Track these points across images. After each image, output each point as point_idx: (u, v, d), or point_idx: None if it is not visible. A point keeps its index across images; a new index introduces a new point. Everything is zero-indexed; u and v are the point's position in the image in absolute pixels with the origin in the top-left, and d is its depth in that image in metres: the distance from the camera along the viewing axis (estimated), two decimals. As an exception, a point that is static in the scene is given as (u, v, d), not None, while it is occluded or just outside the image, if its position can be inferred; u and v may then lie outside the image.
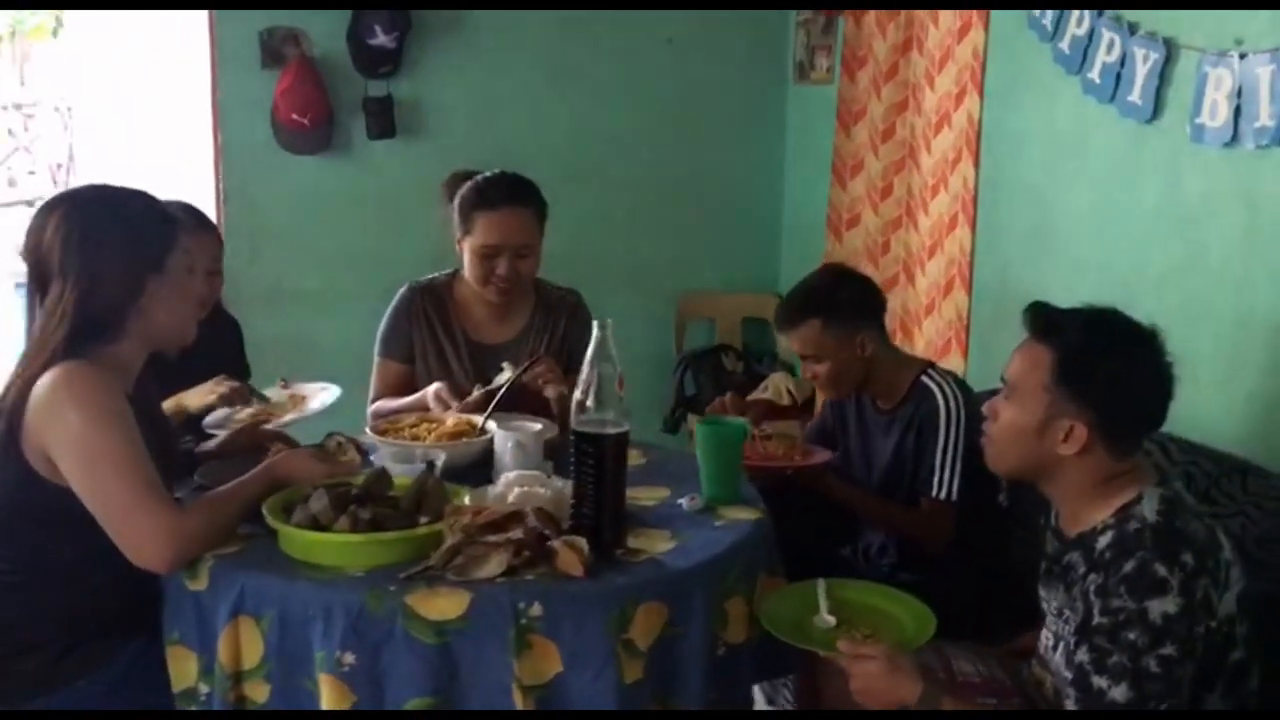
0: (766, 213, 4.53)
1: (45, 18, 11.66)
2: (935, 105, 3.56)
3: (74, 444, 1.82)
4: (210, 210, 4.14)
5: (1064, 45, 2.93)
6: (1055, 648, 1.88)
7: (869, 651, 1.78)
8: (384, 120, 4.03)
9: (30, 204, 8.55)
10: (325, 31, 3.98)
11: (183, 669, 1.86)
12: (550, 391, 2.48)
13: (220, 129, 4.03)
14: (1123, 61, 2.73)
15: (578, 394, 1.88)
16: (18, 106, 11.18)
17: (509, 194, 2.61)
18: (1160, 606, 1.64)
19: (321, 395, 2.50)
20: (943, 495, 2.46)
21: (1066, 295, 1.94)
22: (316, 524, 1.86)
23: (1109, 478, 1.79)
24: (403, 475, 2.07)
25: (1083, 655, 1.71)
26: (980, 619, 2.38)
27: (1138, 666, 1.64)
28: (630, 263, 4.43)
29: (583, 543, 1.83)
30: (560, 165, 4.26)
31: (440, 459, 2.17)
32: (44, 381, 1.84)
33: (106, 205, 1.96)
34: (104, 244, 1.89)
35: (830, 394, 2.64)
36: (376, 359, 2.77)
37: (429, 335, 2.71)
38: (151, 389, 2.13)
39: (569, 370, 2.81)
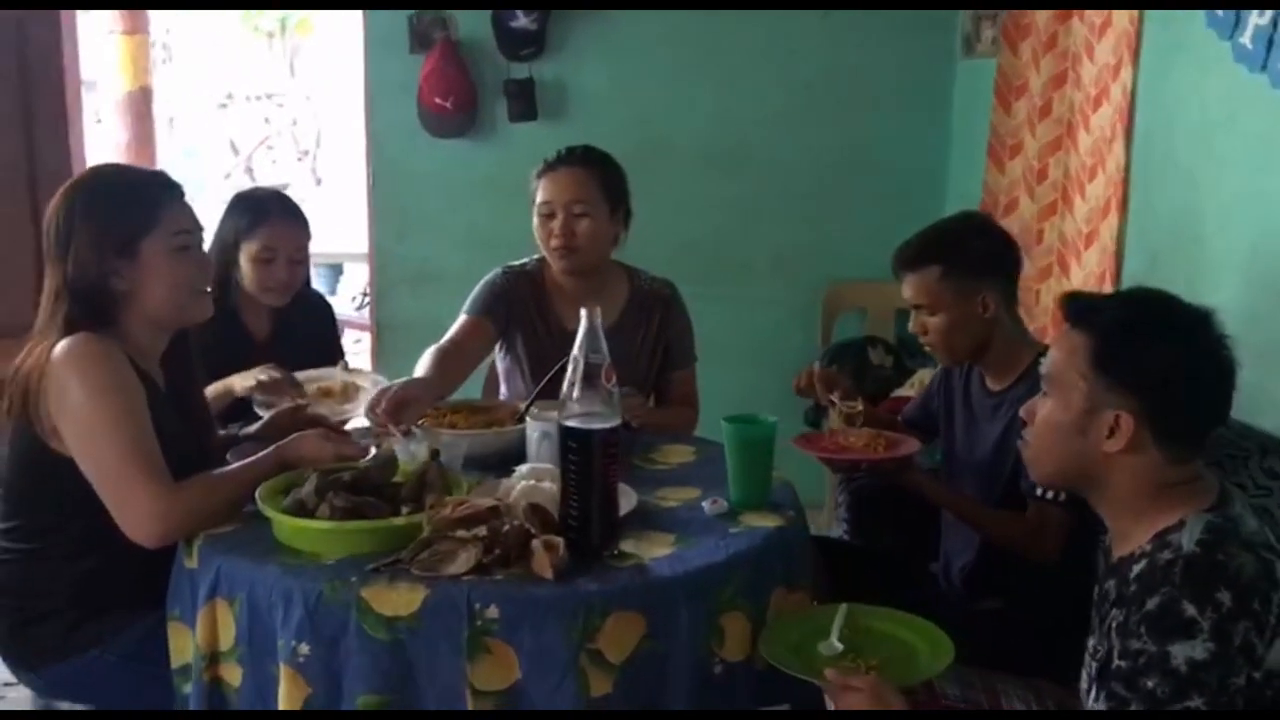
0: (929, 197, 4.21)
1: (308, 14, 12.41)
2: (1094, 78, 3.22)
3: (73, 414, 1.86)
4: (362, 193, 4.25)
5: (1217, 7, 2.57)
6: (1089, 691, 1.65)
7: (855, 683, 1.61)
8: (525, 103, 4.01)
9: (285, 186, 9.10)
10: (471, 14, 3.98)
11: (180, 645, 1.87)
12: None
13: (370, 113, 4.12)
14: (1276, 24, 2.37)
15: (564, 387, 1.78)
16: (269, 96, 11.96)
17: (569, 156, 2.64)
18: (1185, 651, 1.41)
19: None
20: (1049, 494, 2.16)
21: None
22: (304, 509, 1.83)
23: (1162, 487, 1.56)
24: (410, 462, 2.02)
25: (1101, 704, 1.50)
26: (1070, 653, 2.12)
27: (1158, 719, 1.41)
28: (777, 250, 4.24)
29: (560, 543, 1.73)
30: (706, 147, 4.16)
31: (462, 447, 2.11)
32: (54, 352, 1.88)
33: (94, 190, 1.97)
34: (77, 228, 1.92)
35: (942, 354, 2.34)
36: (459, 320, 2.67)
37: (524, 317, 2.67)
38: (187, 373, 2.14)
39: (667, 365, 2.72)
